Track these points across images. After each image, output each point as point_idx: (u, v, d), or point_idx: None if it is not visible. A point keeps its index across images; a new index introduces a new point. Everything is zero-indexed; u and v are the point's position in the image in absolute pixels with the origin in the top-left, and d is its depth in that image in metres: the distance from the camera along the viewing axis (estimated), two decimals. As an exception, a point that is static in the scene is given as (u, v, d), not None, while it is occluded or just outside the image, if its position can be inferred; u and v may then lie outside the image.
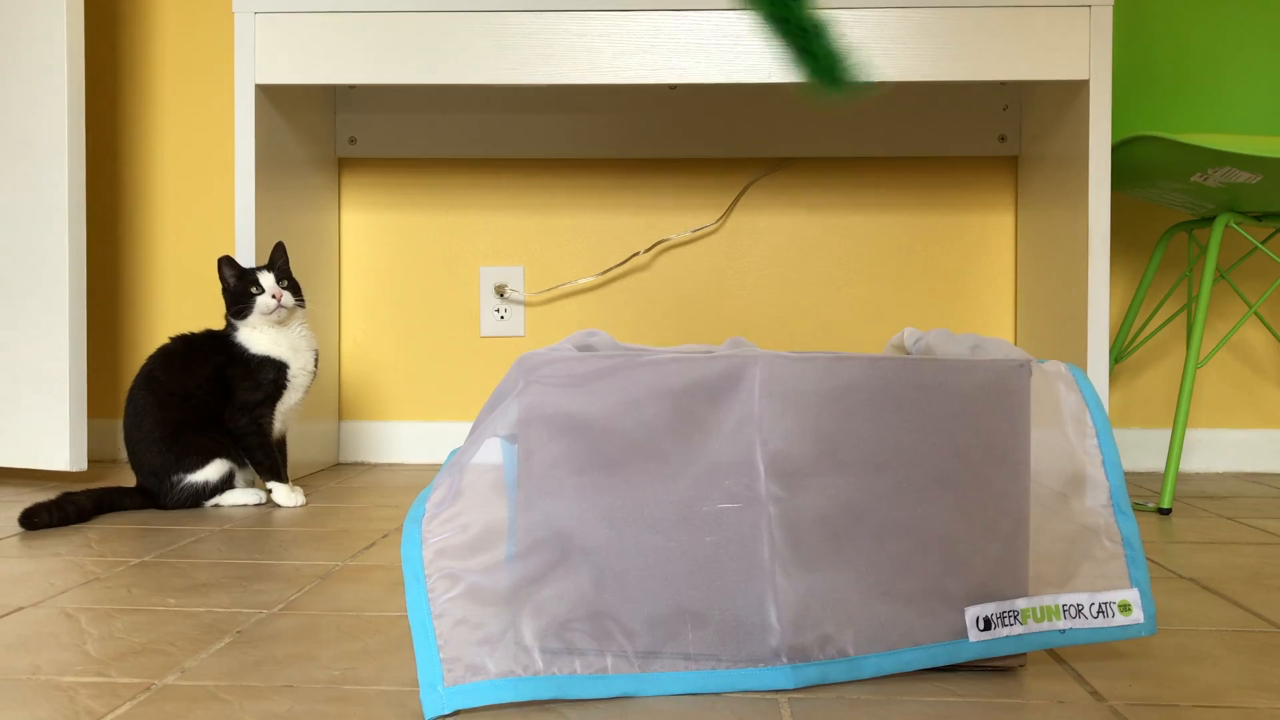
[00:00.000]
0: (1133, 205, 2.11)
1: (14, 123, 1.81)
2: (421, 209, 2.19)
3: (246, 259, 1.75)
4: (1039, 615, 0.82)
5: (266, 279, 1.63)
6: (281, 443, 1.71)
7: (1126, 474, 2.07)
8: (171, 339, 1.68)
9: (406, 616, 1.00)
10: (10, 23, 1.80)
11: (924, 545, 0.81)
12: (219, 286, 1.66)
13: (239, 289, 1.63)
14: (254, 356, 1.64)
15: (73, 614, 1.00)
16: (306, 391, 1.70)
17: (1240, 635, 0.95)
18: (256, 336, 1.64)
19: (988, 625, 0.81)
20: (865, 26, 1.69)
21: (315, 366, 1.70)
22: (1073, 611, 0.82)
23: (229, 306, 1.64)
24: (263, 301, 1.62)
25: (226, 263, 1.64)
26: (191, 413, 1.62)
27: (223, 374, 1.63)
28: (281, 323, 1.65)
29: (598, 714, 0.75)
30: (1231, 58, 1.75)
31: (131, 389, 1.64)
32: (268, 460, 1.64)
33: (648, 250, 2.16)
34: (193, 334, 1.69)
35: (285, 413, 1.68)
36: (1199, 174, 1.66)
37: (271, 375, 1.64)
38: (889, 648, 0.81)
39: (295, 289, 1.66)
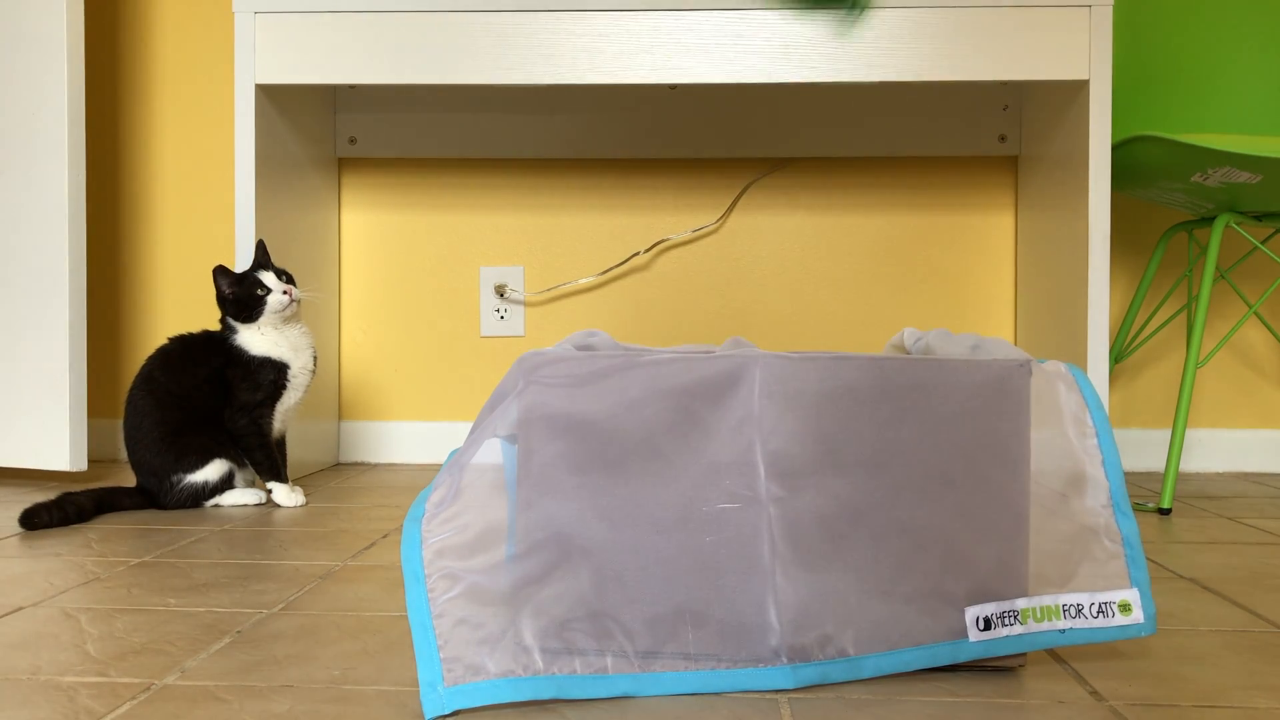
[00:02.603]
0: (1133, 205, 2.11)
1: (14, 123, 1.81)
2: (421, 209, 2.19)
3: (246, 259, 1.74)
4: (1039, 615, 0.82)
5: (269, 278, 1.63)
6: (281, 442, 1.71)
7: (1126, 474, 2.07)
8: (169, 340, 1.68)
9: (406, 617, 1.00)
10: (10, 23, 1.80)
11: (924, 545, 0.81)
12: (214, 295, 1.66)
13: (243, 294, 1.62)
14: (254, 358, 1.64)
15: (73, 614, 1.00)
16: (306, 390, 1.70)
17: (1240, 635, 0.95)
18: (257, 338, 1.64)
19: (988, 625, 0.81)
20: (865, 27, 1.69)
21: (314, 365, 1.70)
22: (1072, 611, 0.82)
23: (235, 314, 1.64)
24: (275, 300, 1.62)
25: (221, 272, 1.64)
26: (191, 413, 1.62)
27: (222, 374, 1.63)
28: (288, 319, 1.65)
29: (597, 714, 0.75)
30: (1231, 57, 1.75)
31: (131, 390, 1.64)
32: (268, 460, 1.64)
33: (648, 250, 2.16)
34: (190, 334, 1.69)
35: (285, 412, 1.68)
36: (1199, 174, 1.66)
37: (271, 376, 1.64)
38: (889, 648, 0.81)
39: (291, 279, 1.66)
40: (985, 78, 1.68)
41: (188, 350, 1.66)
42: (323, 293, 2.04)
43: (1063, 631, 0.82)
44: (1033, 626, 0.82)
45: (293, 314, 1.65)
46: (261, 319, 1.63)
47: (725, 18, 1.70)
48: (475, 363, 2.19)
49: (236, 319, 1.64)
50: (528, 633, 0.78)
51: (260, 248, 1.67)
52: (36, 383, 1.80)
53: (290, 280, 1.66)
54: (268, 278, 1.63)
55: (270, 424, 1.66)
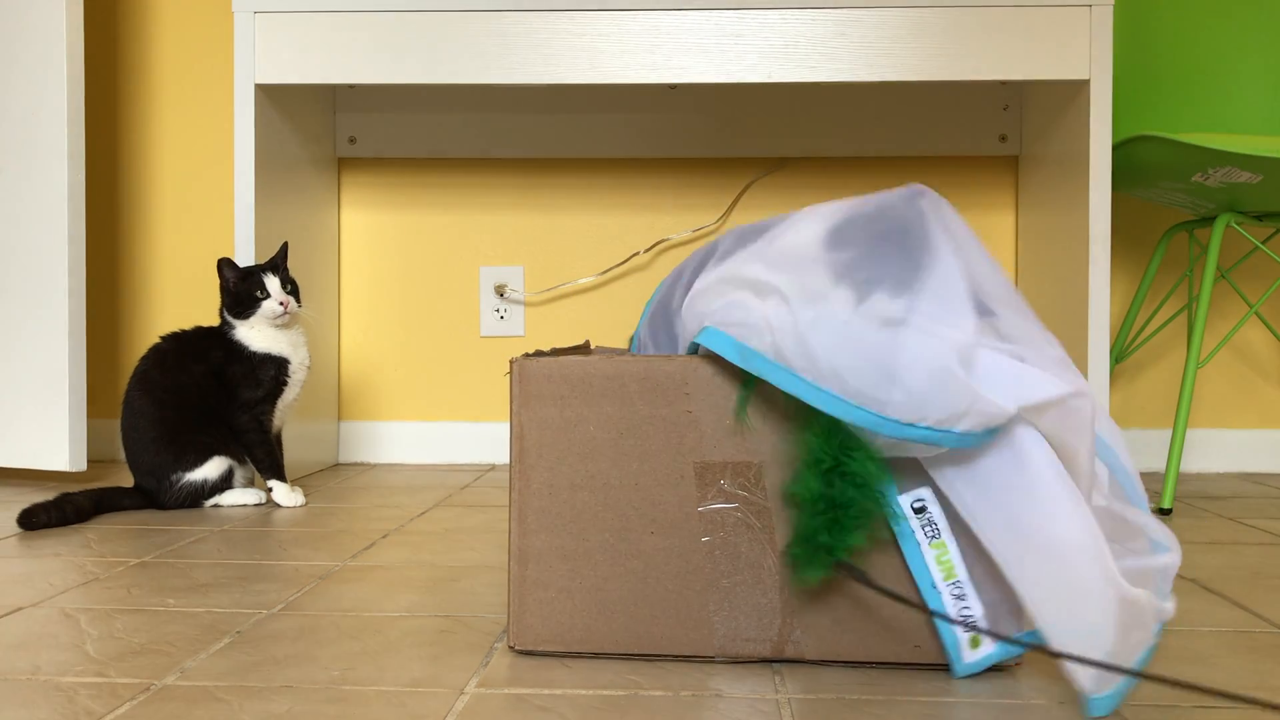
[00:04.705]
0: (1133, 205, 2.11)
1: (14, 122, 1.81)
2: (421, 209, 2.19)
3: (246, 259, 1.74)
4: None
5: (272, 283, 1.62)
6: (278, 439, 1.70)
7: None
8: (162, 338, 1.67)
9: (406, 616, 1.00)
10: (10, 22, 1.80)
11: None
12: (218, 285, 1.65)
13: (242, 291, 1.62)
14: (255, 354, 1.63)
15: (72, 614, 1.00)
16: (302, 386, 1.70)
17: (1240, 635, 0.95)
18: (256, 335, 1.64)
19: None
20: (865, 26, 1.69)
21: (309, 360, 1.71)
22: None
23: (230, 307, 1.64)
24: (269, 307, 1.62)
25: (227, 264, 1.63)
26: (188, 410, 1.61)
27: (221, 371, 1.63)
28: (284, 326, 1.65)
29: (597, 713, 0.75)
30: (1232, 57, 1.75)
31: (127, 390, 1.64)
32: (269, 458, 1.64)
33: (648, 250, 2.16)
34: (184, 331, 1.68)
35: (284, 409, 1.68)
36: (1200, 174, 1.66)
37: (272, 372, 1.64)
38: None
39: (295, 291, 1.66)
40: (985, 77, 1.68)
41: (182, 347, 1.66)
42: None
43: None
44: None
45: (284, 323, 1.65)
46: (254, 319, 1.63)
47: (725, 17, 1.70)
48: (475, 363, 2.18)
49: (230, 312, 1.64)
50: None
51: (282, 250, 1.67)
52: (36, 383, 1.80)
53: (295, 292, 1.65)
54: (272, 283, 1.62)
55: (271, 421, 1.66)
